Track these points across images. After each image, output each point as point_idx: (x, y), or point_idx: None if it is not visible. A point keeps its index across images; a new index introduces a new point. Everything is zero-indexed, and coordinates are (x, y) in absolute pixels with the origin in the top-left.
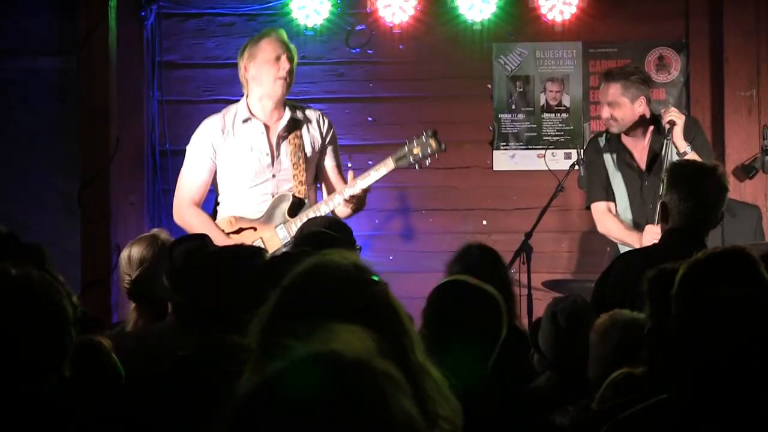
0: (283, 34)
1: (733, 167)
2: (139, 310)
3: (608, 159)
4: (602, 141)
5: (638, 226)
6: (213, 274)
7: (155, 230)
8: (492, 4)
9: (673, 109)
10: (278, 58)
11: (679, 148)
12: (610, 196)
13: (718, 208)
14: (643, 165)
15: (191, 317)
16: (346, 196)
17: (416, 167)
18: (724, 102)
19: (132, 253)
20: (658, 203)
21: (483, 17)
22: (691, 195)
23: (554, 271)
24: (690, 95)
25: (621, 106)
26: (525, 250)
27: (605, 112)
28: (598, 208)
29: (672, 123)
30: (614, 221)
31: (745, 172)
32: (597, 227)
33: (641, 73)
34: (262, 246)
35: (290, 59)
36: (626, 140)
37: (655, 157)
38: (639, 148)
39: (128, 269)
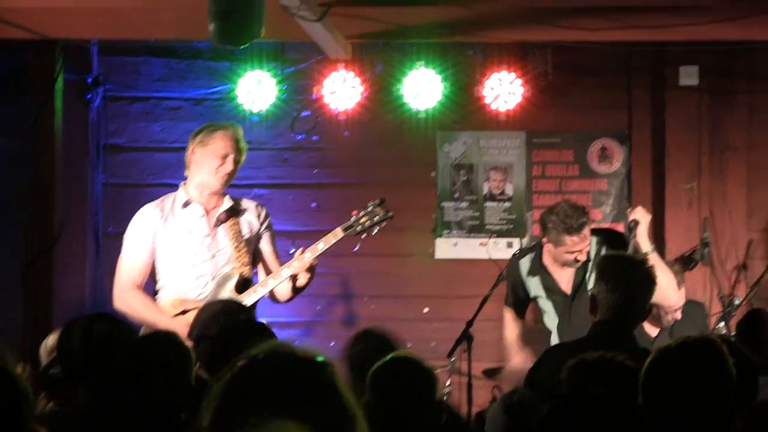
0: (239, 133)
1: (673, 259)
2: (48, 397)
3: (533, 282)
4: (525, 265)
5: None
6: (128, 361)
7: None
8: (437, 93)
9: (639, 208)
10: (225, 156)
11: (641, 247)
12: (516, 309)
13: (645, 301)
14: (568, 289)
15: (101, 405)
16: (294, 270)
17: (364, 236)
18: (665, 194)
19: (49, 341)
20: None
21: (428, 105)
22: (619, 287)
23: (495, 359)
24: (631, 187)
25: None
26: (466, 338)
27: (581, 256)
28: (507, 313)
29: (635, 222)
30: (511, 331)
31: (685, 264)
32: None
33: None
34: None
35: (236, 161)
36: (550, 265)
37: (581, 281)
38: (564, 272)
39: (45, 357)
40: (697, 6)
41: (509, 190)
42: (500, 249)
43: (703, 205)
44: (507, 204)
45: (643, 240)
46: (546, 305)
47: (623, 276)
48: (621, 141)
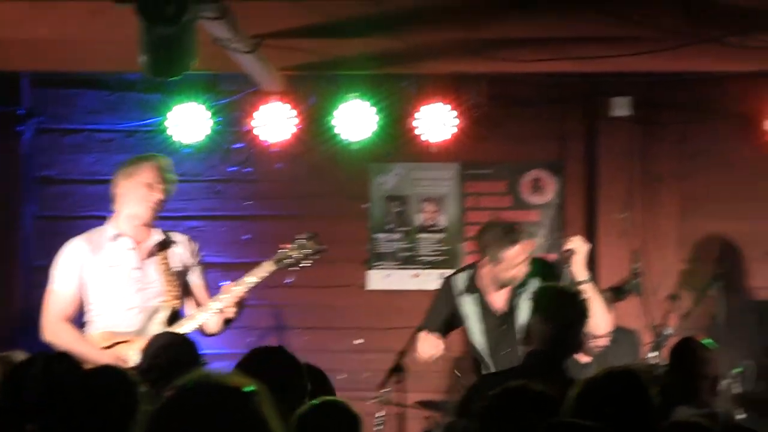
0: (166, 163)
1: (605, 289)
2: None
3: (467, 301)
4: (461, 282)
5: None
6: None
7: (10, 352)
8: (371, 125)
9: (577, 237)
10: (151, 186)
11: (576, 276)
12: (438, 331)
13: (579, 332)
14: (502, 309)
15: None
16: (224, 303)
17: (295, 269)
18: (597, 224)
19: None
20: (516, 347)
21: (362, 137)
22: (553, 319)
23: (428, 390)
24: (564, 217)
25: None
26: (399, 369)
27: (521, 270)
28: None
29: (571, 252)
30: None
31: (617, 294)
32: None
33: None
34: (138, 357)
35: (164, 191)
36: (485, 287)
37: (514, 304)
38: (498, 295)
39: None
40: (628, 37)
41: (442, 222)
42: (433, 280)
43: (635, 236)
44: (440, 235)
45: (579, 269)
46: (476, 326)
47: (558, 307)
48: (554, 172)
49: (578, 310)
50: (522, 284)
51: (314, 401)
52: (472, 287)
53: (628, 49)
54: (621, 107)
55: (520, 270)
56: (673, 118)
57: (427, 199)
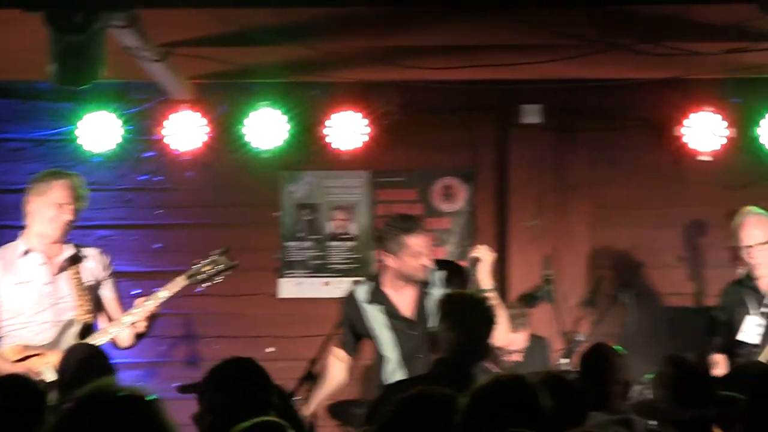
0: (78, 181)
1: (516, 296)
2: None
3: (373, 310)
4: (362, 293)
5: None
6: None
7: None
8: (282, 133)
9: (483, 247)
10: (62, 206)
11: (482, 285)
12: (352, 349)
13: (486, 340)
14: (410, 315)
15: None
16: (136, 317)
17: (208, 284)
18: (508, 232)
19: None
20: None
21: (272, 145)
22: (461, 326)
23: (339, 397)
24: (475, 225)
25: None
26: (310, 377)
27: (427, 260)
28: (334, 354)
29: (475, 259)
30: (333, 377)
31: (529, 301)
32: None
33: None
34: (50, 370)
35: (74, 211)
36: (390, 291)
37: (422, 307)
38: (404, 298)
39: None
40: (539, 45)
41: (353, 230)
42: (344, 288)
43: (546, 243)
44: (351, 243)
45: (484, 279)
46: (385, 334)
47: (465, 315)
48: (465, 179)
49: (485, 317)
50: (428, 285)
51: (248, 423)
52: (377, 296)
53: (539, 57)
54: (532, 115)
55: (424, 262)
56: (584, 125)
57: (338, 207)
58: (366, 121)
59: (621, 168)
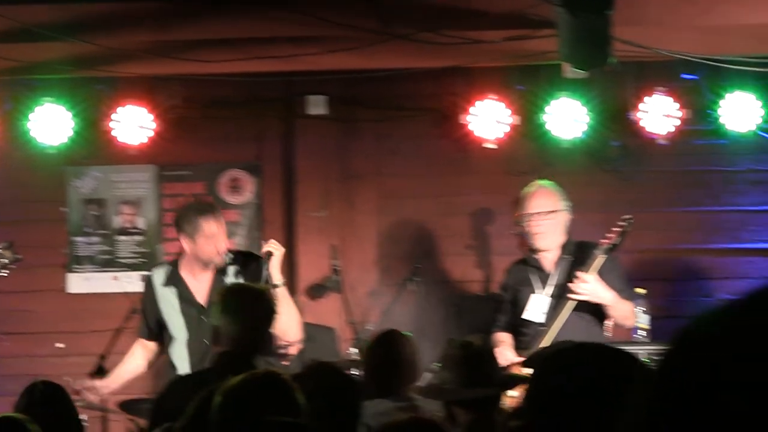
0: None
1: (305, 287)
2: None
3: (167, 293)
4: (161, 275)
5: (201, 362)
6: None
7: None
8: (67, 129)
9: (272, 241)
10: None
11: (273, 279)
12: (150, 334)
13: (266, 332)
14: (203, 300)
15: None
16: None
17: None
18: (295, 223)
19: None
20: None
21: (57, 141)
22: (240, 319)
23: (132, 392)
24: (264, 217)
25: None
26: (100, 372)
27: (222, 246)
28: (136, 344)
29: (269, 254)
30: (131, 361)
31: (317, 291)
32: None
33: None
34: None
35: None
36: (187, 276)
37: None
38: (200, 284)
39: None
40: (322, 37)
41: (141, 224)
42: (133, 282)
43: (333, 233)
44: (139, 238)
45: (275, 271)
46: (175, 318)
47: (245, 308)
48: (251, 172)
49: (266, 309)
50: (223, 272)
51: None
52: (172, 279)
53: (321, 48)
54: (317, 106)
55: (219, 247)
56: (369, 115)
57: (125, 201)
58: (151, 116)
59: (406, 157)
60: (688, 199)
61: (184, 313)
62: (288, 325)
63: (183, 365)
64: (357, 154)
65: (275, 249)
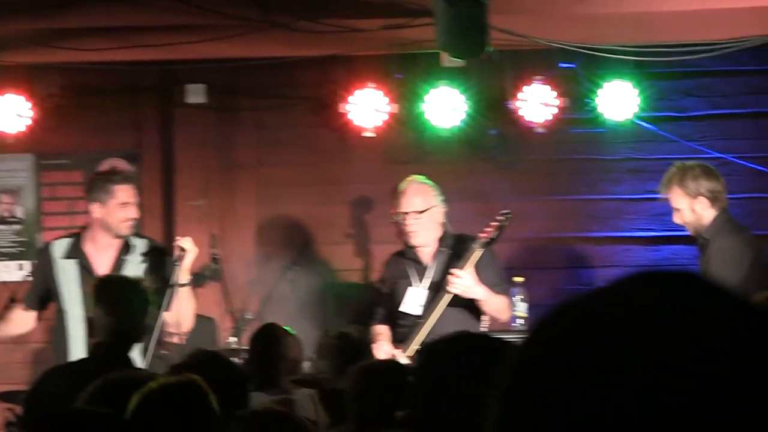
0: None
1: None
2: None
3: (66, 266)
4: (62, 247)
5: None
6: None
7: None
8: None
9: (188, 239)
10: None
11: (180, 278)
12: (35, 304)
13: (142, 322)
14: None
15: None
16: None
17: None
18: (174, 212)
19: None
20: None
21: None
22: (116, 310)
23: (14, 382)
24: (144, 206)
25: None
26: None
27: (132, 212)
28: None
29: (181, 250)
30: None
31: (197, 280)
32: None
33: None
34: None
35: None
36: (90, 249)
37: (118, 270)
38: (102, 259)
39: None
40: (198, 25)
41: (19, 213)
42: (11, 271)
43: (213, 222)
44: (17, 227)
45: (184, 271)
46: (73, 290)
47: (121, 299)
48: (131, 161)
49: (142, 300)
50: (127, 250)
51: None
52: (73, 252)
53: (200, 36)
54: (196, 94)
55: (130, 215)
56: (248, 104)
57: (4, 190)
58: (29, 104)
59: (286, 146)
60: (566, 187)
61: (83, 287)
62: (184, 316)
63: (77, 339)
64: (236, 144)
65: (189, 247)
